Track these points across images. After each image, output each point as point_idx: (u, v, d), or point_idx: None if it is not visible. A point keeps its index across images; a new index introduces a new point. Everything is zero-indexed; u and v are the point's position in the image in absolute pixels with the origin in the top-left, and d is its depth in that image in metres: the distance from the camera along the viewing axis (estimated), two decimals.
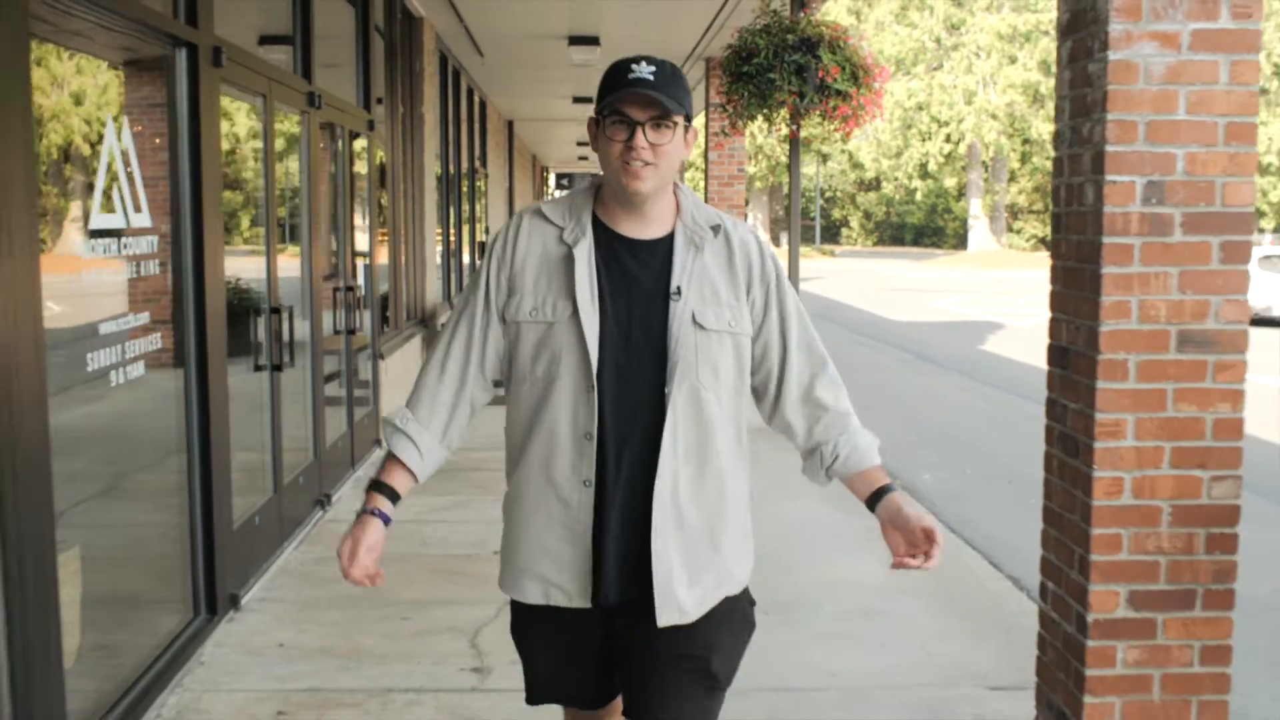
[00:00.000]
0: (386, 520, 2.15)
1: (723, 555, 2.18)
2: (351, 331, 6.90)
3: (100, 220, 3.45)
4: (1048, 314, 3.32)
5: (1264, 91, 49.19)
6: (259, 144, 5.23)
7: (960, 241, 51.89)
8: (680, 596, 2.11)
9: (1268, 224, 48.43)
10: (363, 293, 7.40)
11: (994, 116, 42.85)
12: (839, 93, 7.40)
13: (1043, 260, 42.75)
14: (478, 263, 15.05)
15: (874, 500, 2.19)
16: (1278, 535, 6.61)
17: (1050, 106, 44.69)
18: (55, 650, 3.03)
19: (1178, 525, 3.04)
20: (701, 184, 12.62)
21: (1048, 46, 41.39)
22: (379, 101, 8.20)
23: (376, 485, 2.18)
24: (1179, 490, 3.03)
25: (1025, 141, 45.36)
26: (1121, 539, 3.04)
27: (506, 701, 3.72)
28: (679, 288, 2.14)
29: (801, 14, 7.84)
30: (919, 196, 55.50)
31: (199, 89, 4.20)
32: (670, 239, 2.18)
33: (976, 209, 46.55)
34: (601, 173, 2.20)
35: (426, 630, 4.40)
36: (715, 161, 11.94)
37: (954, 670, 4.12)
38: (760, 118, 7.77)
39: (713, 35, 10.63)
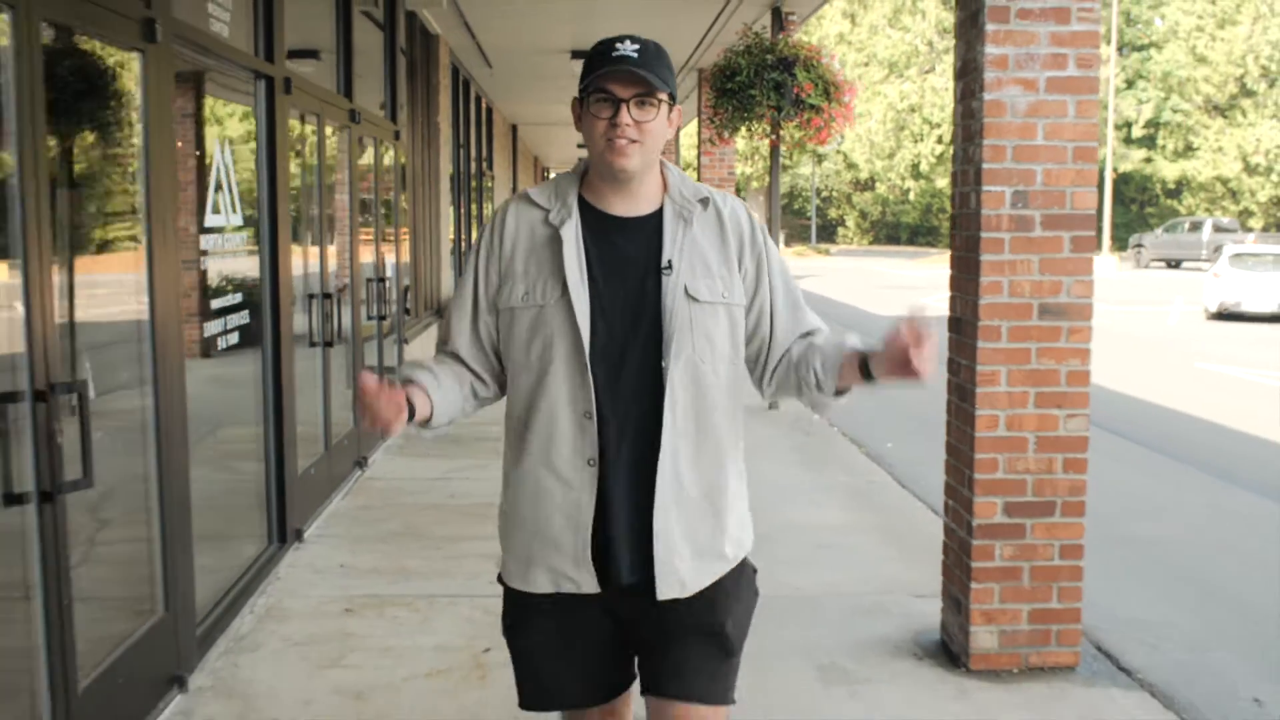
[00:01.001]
0: (405, 384, 2.13)
1: (724, 524, 2.19)
2: (383, 318, 7.86)
3: (211, 219, 4.40)
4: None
5: (1251, 94, 50.05)
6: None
7: None
8: (680, 569, 2.13)
9: (1256, 223, 49.11)
10: (391, 284, 8.34)
11: None
12: (812, 106, 8.35)
13: None
14: None
15: (864, 365, 2.12)
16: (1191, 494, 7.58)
17: None
18: (189, 550, 3.98)
19: (1041, 451, 4.00)
20: None
21: None
22: (399, 109, 9.15)
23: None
24: (1041, 425, 3.99)
25: None
26: (998, 462, 4.00)
27: None
28: (669, 261, 2.13)
29: (780, 35, 8.79)
30: (913, 196, 56.48)
31: (274, 112, 5.15)
32: (659, 215, 2.17)
33: None
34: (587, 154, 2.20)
35: (458, 556, 5.36)
36: (707, 165, 12.94)
37: (889, 584, 5.08)
38: (743, 129, 8.72)
39: (704, 49, 11.59)
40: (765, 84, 8.29)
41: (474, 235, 15.02)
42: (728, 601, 2.21)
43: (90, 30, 3.32)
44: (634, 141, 2.08)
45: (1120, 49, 50.11)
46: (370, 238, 7.86)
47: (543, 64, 12.69)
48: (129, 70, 3.58)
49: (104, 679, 3.29)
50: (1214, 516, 6.96)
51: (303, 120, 5.82)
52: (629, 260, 2.15)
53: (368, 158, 7.74)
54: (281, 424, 5.31)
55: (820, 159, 53.52)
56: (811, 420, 8.24)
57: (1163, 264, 38.20)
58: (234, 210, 4.66)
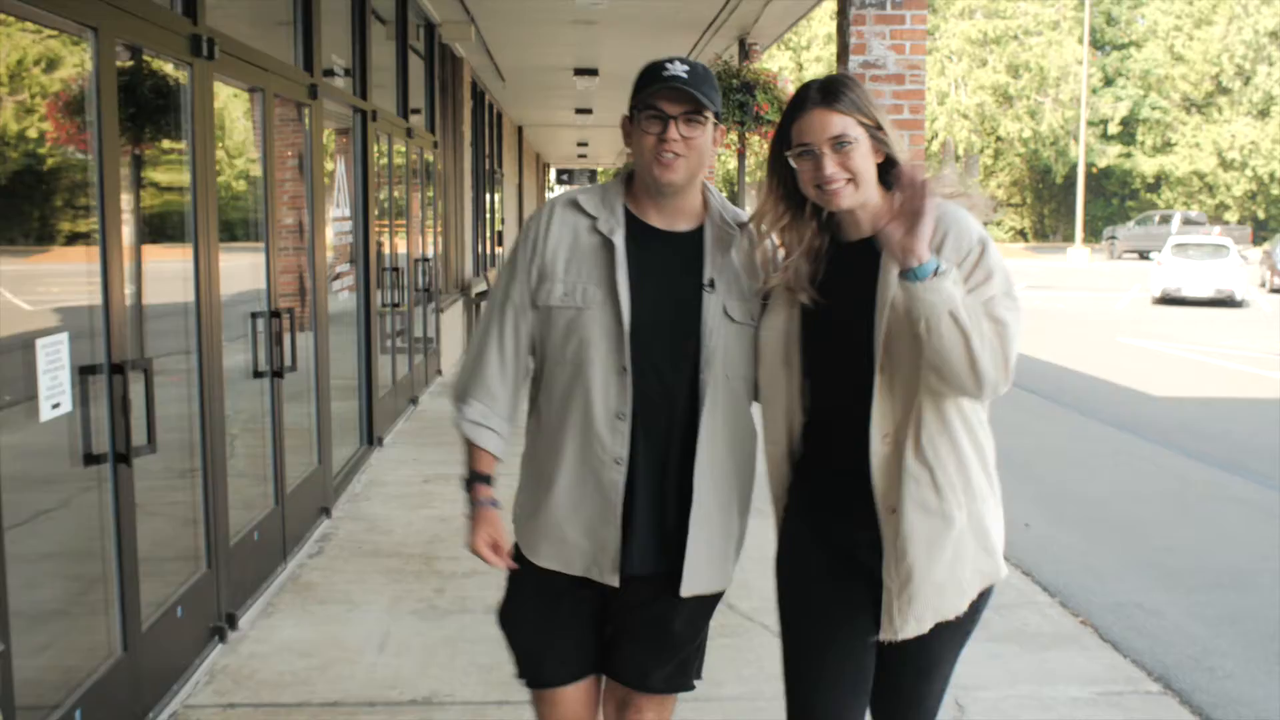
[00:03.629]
0: (497, 505, 2.35)
1: (735, 531, 2.34)
2: (427, 289, 9.93)
3: (335, 212, 6.48)
4: None
5: (1226, 91, 51.90)
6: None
7: None
8: (703, 571, 2.28)
9: (1232, 216, 50.81)
10: (431, 264, 10.41)
11: (965, 116, 45.98)
12: (769, 122, 10.39)
13: (1015, 251, 44.43)
14: (496, 250, 18.07)
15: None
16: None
17: (1018, 106, 47.74)
18: (330, 422, 6.05)
19: None
20: None
21: (1015, 50, 44.39)
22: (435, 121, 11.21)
23: (477, 479, 2.38)
24: None
25: (998, 139, 48.46)
26: None
27: None
28: (712, 280, 2.24)
29: (744, 63, 10.85)
30: None
31: (366, 136, 7.21)
32: (699, 233, 2.28)
33: None
34: (635, 166, 2.29)
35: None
36: None
37: None
38: None
39: None
40: (731, 104, 10.31)
41: (486, 226, 17.04)
42: (702, 608, 2.42)
43: (285, 97, 5.38)
44: (680, 156, 2.19)
45: (1102, 48, 51.99)
46: (417, 226, 9.92)
47: (548, 78, 14.72)
48: (301, 118, 5.65)
49: (293, 496, 5.36)
50: (1069, 439, 9.05)
51: (378, 139, 7.88)
52: (668, 273, 2.27)
53: (415, 162, 9.80)
54: (370, 360, 7.38)
55: None
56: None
57: (1135, 255, 40.13)
58: (347, 206, 6.72)
